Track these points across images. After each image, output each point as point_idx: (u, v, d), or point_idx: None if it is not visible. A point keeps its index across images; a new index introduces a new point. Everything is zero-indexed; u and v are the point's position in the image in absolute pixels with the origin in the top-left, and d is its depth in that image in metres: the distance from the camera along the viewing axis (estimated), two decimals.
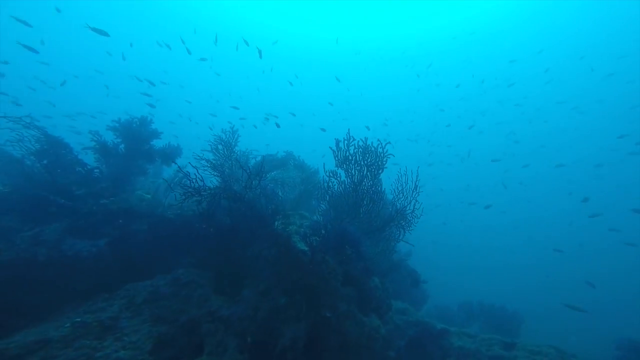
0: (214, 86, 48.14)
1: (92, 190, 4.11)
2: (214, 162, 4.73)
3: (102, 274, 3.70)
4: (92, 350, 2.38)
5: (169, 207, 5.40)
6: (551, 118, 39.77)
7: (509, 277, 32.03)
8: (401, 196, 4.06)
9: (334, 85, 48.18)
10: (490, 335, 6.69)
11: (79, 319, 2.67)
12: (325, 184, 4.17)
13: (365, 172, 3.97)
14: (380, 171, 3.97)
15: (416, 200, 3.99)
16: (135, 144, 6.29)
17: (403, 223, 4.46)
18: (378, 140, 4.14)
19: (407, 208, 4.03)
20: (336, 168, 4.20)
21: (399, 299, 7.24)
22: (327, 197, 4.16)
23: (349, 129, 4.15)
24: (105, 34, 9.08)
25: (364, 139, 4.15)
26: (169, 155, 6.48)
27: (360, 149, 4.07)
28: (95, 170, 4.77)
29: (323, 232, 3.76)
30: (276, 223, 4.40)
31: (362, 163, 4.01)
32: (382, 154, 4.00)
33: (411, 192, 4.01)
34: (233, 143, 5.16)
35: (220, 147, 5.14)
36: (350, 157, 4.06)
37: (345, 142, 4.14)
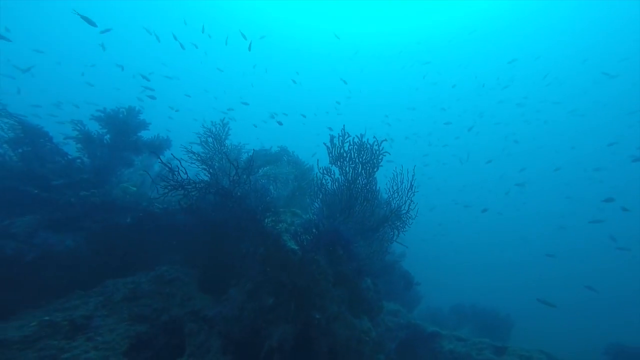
0: (211, 81, 47.53)
1: (71, 181, 3.93)
2: (203, 155, 4.57)
3: (79, 270, 3.54)
4: (58, 351, 2.24)
5: (155, 201, 5.24)
6: (550, 119, 40.22)
7: (503, 279, 32.45)
8: (396, 196, 3.97)
9: (333, 82, 48.03)
10: (481, 339, 6.70)
11: (47, 318, 2.53)
12: (319, 182, 4.05)
13: (359, 170, 3.87)
14: (375, 169, 3.87)
15: (411, 200, 3.90)
16: (122, 135, 6.09)
17: (398, 224, 4.38)
18: (374, 137, 4.03)
19: (402, 208, 3.94)
20: (330, 165, 4.08)
21: (392, 300, 7.20)
22: (320, 195, 4.05)
23: (344, 125, 4.04)
24: (93, 24, 8.78)
25: (359, 136, 4.04)
26: (158, 147, 6.30)
27: (355, 146, 3.96)
28: (77, 161, 4.58)
29: (314, 231, 3.65)
30: (266, 220, 4.28)
31: (356, 160, 3.90)
32: (377, 152, 3.91)
33: (406, 191, 3.93)
34: (223, 136, 5.01)
35: (210, 139, 4.99)
36: (344, 154, 3.96)
37: (340, 138, 4.02)
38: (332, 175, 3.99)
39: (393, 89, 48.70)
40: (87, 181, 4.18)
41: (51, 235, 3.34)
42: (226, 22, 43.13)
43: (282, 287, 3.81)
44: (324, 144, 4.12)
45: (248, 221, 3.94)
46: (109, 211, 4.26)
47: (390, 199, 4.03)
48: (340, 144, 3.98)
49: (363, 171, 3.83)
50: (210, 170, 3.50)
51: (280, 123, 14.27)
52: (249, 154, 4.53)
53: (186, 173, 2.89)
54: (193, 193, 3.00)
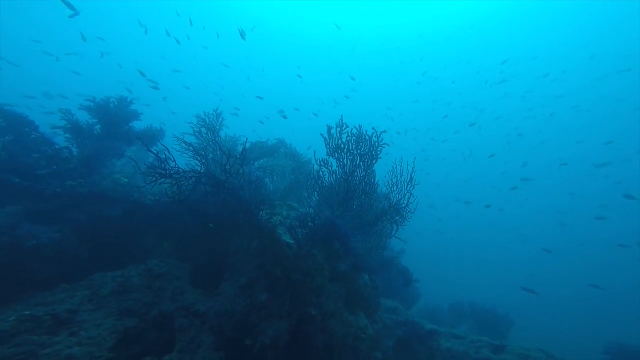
0: (211, 76, 47.15)
1: (57, 170, 3.82)
2: (196, 146, 4.46)
3: (65, 263, 3.46)
4: (37, 347, 2.16)
5: (147, 193, 5.14)
6: (555, 113, 40.08)
7: (503, 276, 32.58)
8: (395, 189, 3.89)
9: (334, 76, 47.66)
10: (479, 337, 6.68)
11: (27, 312, 2.45)
12: (315, 174, 3.96)
13: (357, 162, 3.78)
14: (374, 161, 3.77)
15: (411, 194, 3.81)
16: (113, 125, 5.97)
17: (397, 218, 4.30)
18: (373, 128, 3.93)
19: (402, 202, 3.86)
20: (327, 157, 3.98)
21: (390, 297, 7.16)
22: (317, 187, 3.96)
23: (341, 115, 3.93)
24: (77, 12, 8.57)
25: (357, 127, 3.94)
26: (150, 138, 6.18)
27: (353, 137, 3.86)
28: (64, 150, 4.46)
29: (310, 224, 3.56)
30: (261, 213, 4.19)
31: (354, 152, 3.80)
32: (376, 143, 3.81)
33: (406, 184, 3.84)
34: (217, 127, 4.89)
35: (203, 130, 4.87)
36: (342, 146, 3.85)
37: (338, 129, 3.92)
38: (330, 167, 3.89)
39: (394, 84, 48.43)
40: (74, 171, 4.07)
41: (35, 227, 3.24)
42: (222, 16, 42.64)
43: (277, 282, 3.74)
44: (321, 135, 4.02)
45: (242, 214, 3.85)
46: (97, 202, 4.16)
47: (389, 192, 3.95)
48: (338, 134, 3.88)
49: (361, 163, 3.74)
50: (203, 160, 3.39)
51: (284, 117, 14.07)
52: (245, 145, 4.42)
53: (174, 161, 2.79)
54: (182, 182, 2.90)
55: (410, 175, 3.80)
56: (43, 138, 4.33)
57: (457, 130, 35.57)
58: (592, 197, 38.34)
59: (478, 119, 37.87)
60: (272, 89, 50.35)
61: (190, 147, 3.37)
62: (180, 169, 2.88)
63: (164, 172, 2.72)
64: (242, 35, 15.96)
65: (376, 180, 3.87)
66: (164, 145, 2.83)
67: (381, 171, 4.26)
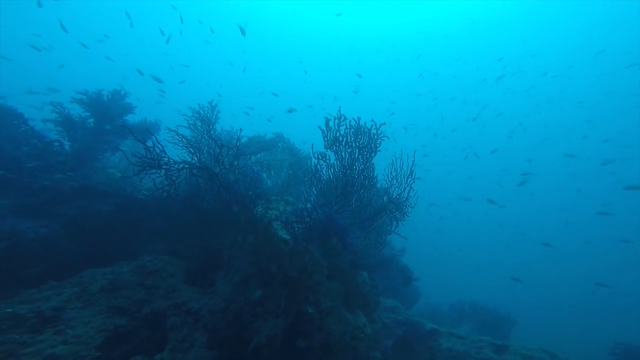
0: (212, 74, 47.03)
1: (46, 163, 3.73)
2: (190, 139, 4.37)
3: (53, 260, 3.38)
4: (17, 346, 2.08)
5: (142, 188, 5.06)
6: (557, 111, 39.92)
7: (506, 276, 32.40)
8: (395, 182, 3.79)
9: (333, 73, 47.50)
10: (481, 337, 6.60)
11: (9, 310, 2.37)
12: (313, 167, 3.87)
13: (356, 155, 3.68)
14: (373, 154, 3.69)
15: (411, 188, 3.72)
16: (106, 118, 5.88)
17: (397, 214, 4.21)
18: (372, 120, 3.83)
19: (402, 196, 3.77)
20: (325, 150, 3.89)
21: (390, 296, 7.09)
22: (315, 181, 3.87)
23: (339, 107, 3.83)
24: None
25: (356, 119, 3.84)
26: (144, 131, 6.09)
27: (352, 129, 3.76)
28: (55, 144, 4.38)
29: (307, 219, 3.47)
30: (258, 208, 4.11)
31: (353, 145, 3.71)
32: (375, 136, 3.71)
33: (406, 178, 3.74)
34: (213, 119, 4.80)
35: (198, 123, 4.78)
36: (340, 138, 3.76)
37: (336, 121, 3.82)
38: (328, 161, 3.80)
39: (393, 80, 48.25)
40: (64, 164, 3.98)
41: (21, 221, 3.16)
42: (221, 13, 42.47)
43: (272, 279, 3.66)
44: (319, 127, 3.93)
45: (237, 208, 3.76)
46: (89, 196, 4.08)
47: (389, 186, 3.86)
48: (336, 127, 3.78)
49: (360, 156, 3.65)
50: (195, 152, 3.30)
51: (290, 111, 13.97)
52: (238, 135, 4.30)
53: (164, 151, 2.70)
54: (173, 173, 2.81)
55: (411, 169, 3.71)
56: (33, 131, 4.25)
57: (455, 129, 35.41)
58: (596, 194, 38.17)
59: (480, 115, 37.71)
60: (270, 87, 50.21)
61: (184, 139, 3.28)
62: (170, 159, 2.79)
63: (152, 162, 2.63)
64: (242, 32, 15.86)
65: (375, 175, 3.78)
66: (155, 137, 2.73)
67: (380, 167, 4.18)
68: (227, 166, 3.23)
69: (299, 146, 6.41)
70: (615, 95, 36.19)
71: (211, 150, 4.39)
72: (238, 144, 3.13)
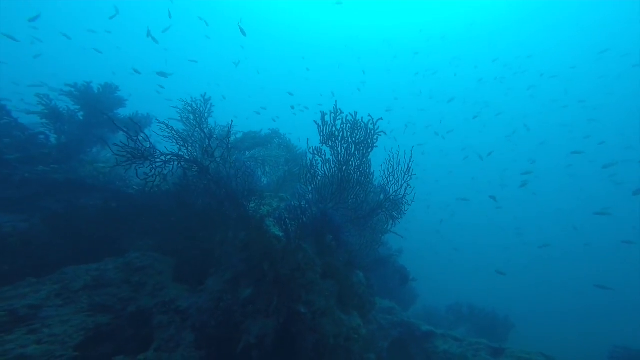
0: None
1: (28, 155, 3.61)
2: (183, 133, 4.27)
3: (34, 256, 3.26)
4: None
5: (133, 183, 4.94)
6: (558, 112, 40.05)
7: (504, 280, 32.40)
8: (392, 179, 3.71)
9: (333, 71, 47.42)
10: (478, 339, 6.53)
11: None
12: (308, 163, 3.78)
13: (353, 151, 3.60)
14: (369, 150, 3.60)
15: (408, 184, 3.64)
16: (96, 112, 5.76)
17: (394, 213, 4.12)
18: (369, 115, 3.75)
19: (398, 193, 3.68)
20: (321, 145, 3.80)
21: (386, 297, 7.00)
22: (310, 177, 3.78)
23: (336, 101, 3.75)
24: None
25: (352, 114, 3.76)
26: (136, 125, 5.98)
27: (348, 124, 3.68)
28: (40, 136, 4.25)
29: (301, 216, 3.38)
30: (251, 204, 4.01)
31: (349, 140, 3.63)
32: (372, 131, 3.63)
33: (403, 174, 3.66)
34: (206, 113, 4.69)
35: (191, 117, 4.67)
36: (336, 133, 3.68)
37: (332, 115, 3.73)
38: (323, 156, 3.71)
39: (392, 80, 48.29)
40: (48, 156, 3.86)
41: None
42: (218, 10, 42.35)
43: (264, 277, 3.56)
44: (315, 122, 3.84)
45: (229, 204, 3.67)
46: (75, 190, 3.96)
47: (386, 183, 3.77)
48: (332, 121, 3.70)
49: (356, 152, 3.57)
50: (184, 144, 3.20)
51: (292, 107, 13.96)
52: (230, 125, 4.17)
53: (149, 141, 2.60)
54: (159, 164, 2.71)
55: (408, 165, 3.63)
56: (16, 123, 4.12)
57: (451, 130, 35.42)
58: (597, 196, 38.26)
59: (480, 114, 37.63)
60: (269, 85, 50.14)
61: (173, 131, 3.18)
62: (156, 150, 2.69)
63: (135, 152, 2.53)
64: (242, 31, 15.85)
65: (372, 171, 3.70)
66: (139, 128, 2.63)
67: (377, 165, 4.09)
68: (218, 159, 3.13)
69: (296, 143, 6.32)
70: (618, 96, 36.31)
71: (203, 144, 4.29)
72: (229, 135, 3.04)
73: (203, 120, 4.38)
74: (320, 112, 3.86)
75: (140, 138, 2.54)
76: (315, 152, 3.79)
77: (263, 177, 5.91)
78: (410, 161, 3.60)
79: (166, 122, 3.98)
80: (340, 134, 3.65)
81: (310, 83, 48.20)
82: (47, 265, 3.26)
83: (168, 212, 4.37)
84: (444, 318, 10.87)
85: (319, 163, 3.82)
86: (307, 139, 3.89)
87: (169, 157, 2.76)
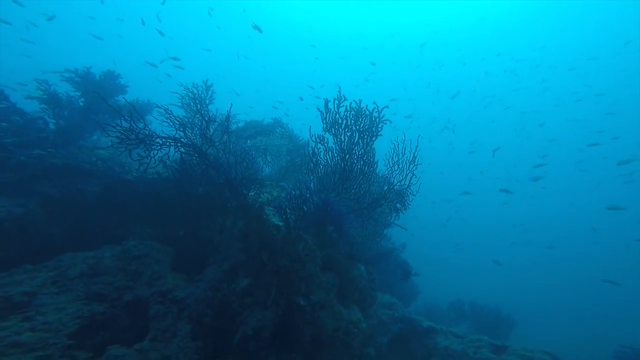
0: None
1: (24, 139, 3.56)
2: (183, 119, 4.18)
3: (30, 242, 3.22)
4: None
5: (132, 169, 4.88)
6: (571, 106, 39.22)
7: (509, 278, 32.20)
8: (396, 168, 3.59)
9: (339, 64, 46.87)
10: (479, 336, 6.45)
11: None
12: (310, 151, 3.67)
13: (356, 139, 3.48)
14: (374, 139, 3.48)
15: (413, 174, 3.52)
16: (96, 98, 5.69)
17: (398, 205, 4.01)
18: (374, 102, 3.61)
19: (403, 183, 3.57)
20: (324, 132, 3.68)
21: (388, 292, 6.94)
22: (312, 165, 3.67)
23: (339, 87, 3.61)
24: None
25: (357, 101, 3.62)
26: (134, 108, 5.92)
27: (352, 112, 3.55)
28: (39, 121, 4.20)
29: (302, 205, 3.29)
30: (250, 193, 3.92)
31: (353, 128, 3.51)
32: (377, 119, 3.50)
33: (408, 164, 3.54)
34: (207, 100, 4.59)
35: (192, 103, 4.58)
36: (340, 120, 3.55)
37: (336, 102, 3.61)
38: (326, 144, 3.60)
39: (398, 75, 47.68)
40: (45, 140, 3.80)
41: None
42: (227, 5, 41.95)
43: (263, 268, 3.50)
44: (318, 108, 3.72)
45: (228, 191, 3.58)
46: (72, 175, 3.91)
47: (390, 173, 3.65)
48: (336, 108, 3.57)
49: (360, 140, 3.45)
50: (184, 129, 3.11)
51: (301, 98, 13.85)
52: (229, 111, 4.06)
53: (144, 122, 2.51)
54: (155, 147, 2.63)
55: (413, 155, 3.50)
56: (14, 108, 4.06)
57: (452, 126, 34.90)
58: (608, 194, 37.63)
59: (488, 108, 37.01)
60: (273, 77, 49.87)
61: (171, 115, 3.08)
62: (153, 133, 2.61)
63: (131, 133, 2.45)
64: (258, 29, 15.71)
65: (376, 161, 3.58)
66: (136, 112, 2.54)
67: (381, 155, 3.96)
68: (217, 144, 3.04)
69: (299, 133, 6.21)
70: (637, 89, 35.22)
71: (203, 131, 4.20)
72: (229, 118, 2.94)
73: (203, 106, 4.27)
74: (324, 99, 3.73)
75: (133, 119, 2.46)
76: (318, 139, 3.67)
77: (265, 166, 5.83)
78: (416, 151, 3.48)
79: (166, 107, 3.90)
80: (344, 122, 3.53)
81: (317, 75, 47.77)
82: (44, 252, 3.22)
83: (167, 199, 4.31)
84: (446, 315, 10.81)
85: (321, 151, 3.71)
86: (310, 127, 3.78)
87: (165, 139, 2.67)
